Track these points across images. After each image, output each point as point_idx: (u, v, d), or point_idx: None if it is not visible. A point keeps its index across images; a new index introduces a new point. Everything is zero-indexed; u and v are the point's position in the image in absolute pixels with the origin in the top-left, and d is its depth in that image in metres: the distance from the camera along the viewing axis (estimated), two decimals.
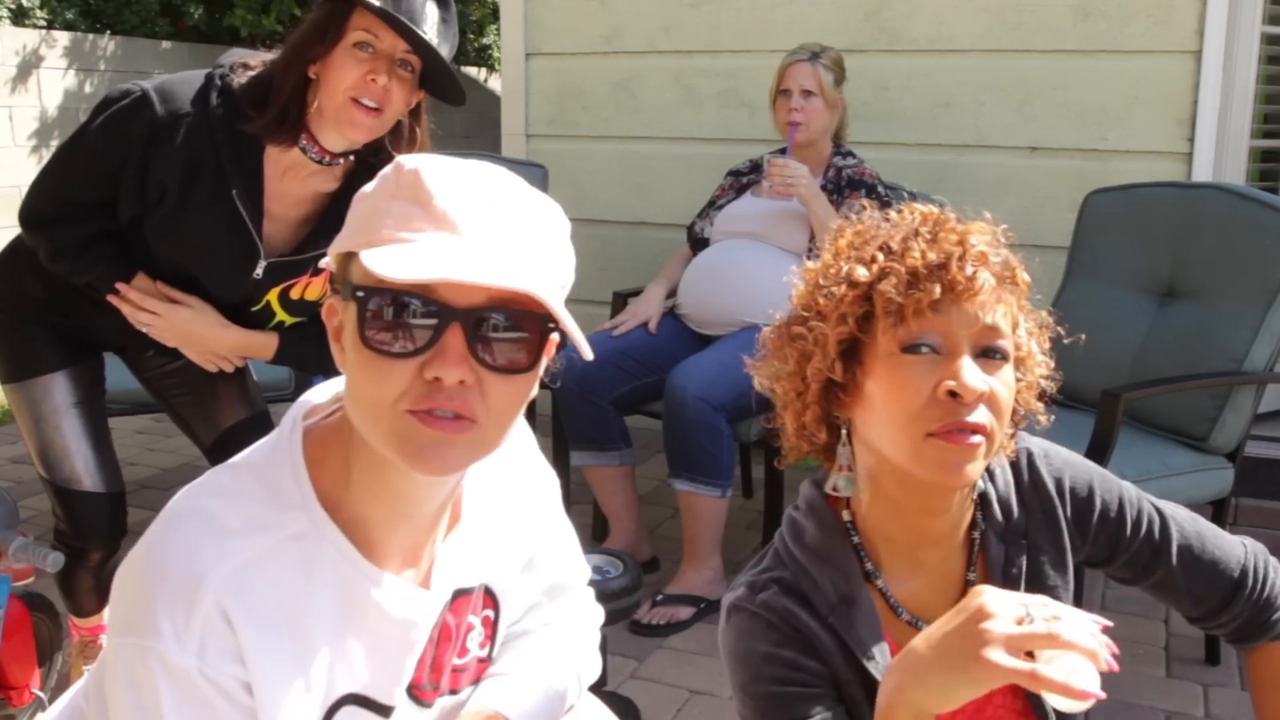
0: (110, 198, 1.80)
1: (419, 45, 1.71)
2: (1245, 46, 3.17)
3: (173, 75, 1.82)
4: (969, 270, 1.04)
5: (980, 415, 1.04)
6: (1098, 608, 2.71)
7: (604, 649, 2.00)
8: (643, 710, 2.16)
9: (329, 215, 1.88)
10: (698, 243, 3.02)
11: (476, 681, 1.15)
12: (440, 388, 0.87)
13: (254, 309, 1.95)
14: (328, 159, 1.81)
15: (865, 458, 1.13)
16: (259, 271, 1.87)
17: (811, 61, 2.86)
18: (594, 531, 3.11)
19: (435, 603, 1.05)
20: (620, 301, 3.08)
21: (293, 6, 7.10)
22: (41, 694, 2.04)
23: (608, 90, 3.91)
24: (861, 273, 1.07)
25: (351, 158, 1.85)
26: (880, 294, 1.05)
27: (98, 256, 1.86)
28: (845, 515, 1.18)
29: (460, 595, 1.09)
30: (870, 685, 1.12)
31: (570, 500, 3.24)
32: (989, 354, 1.06)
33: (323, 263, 0.99)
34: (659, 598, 2.61)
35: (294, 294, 1.95)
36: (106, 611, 2.16)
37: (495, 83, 8.89)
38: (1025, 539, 1.19)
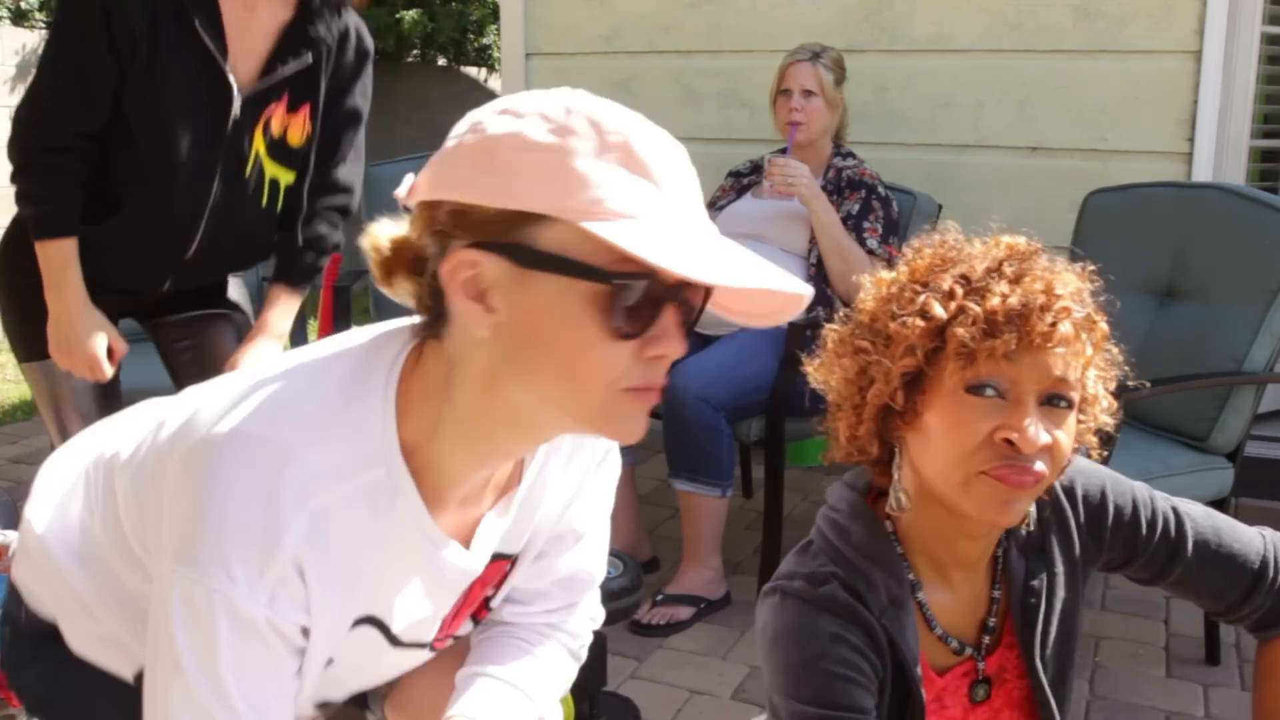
0: (91, 78, 1.78)
1: None
2: (1245, 46, 3.17)
3: None
4: (1049, 322, 1.02)
5: (1038, 465, 1.03)
6: (1098, 608, 2.71)
7: (604, 649, 2.01)
8: (643, 710, 2.16)
9: (286, 40, 1.89)
10: None
11: (475, 618, 1.21)
12: (662, 363, 0.90)
13: (248, 175, 1.94)
14: None
15: (912, 477, 1.12)
16: (236, 110, 1.86)
17: (812, 61, 2.86)
18: None
19: (478, 566, 1.08)
20: None
21: None
22: None
23: (608, 90, 3.85)
24: (938, 310, 1.04)
25: None
26: (954, 335, 1.02)
27: (59, 190, 1.83)
28: (888, 525, 1.17)
29: (496, 560, 1.12)
30: (907, 691, 1.12)
31: None
32: (1054, 402, 1.04)
33: (445, 194, 0.89)
34: (659, 598, 2.61)
35: (275, 130, 1.94)
36: None
37: (495, 83, 8.89)
38: (1043, 551, 1.18)
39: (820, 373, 1.16)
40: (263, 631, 0.92)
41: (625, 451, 2.76)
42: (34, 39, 6.01)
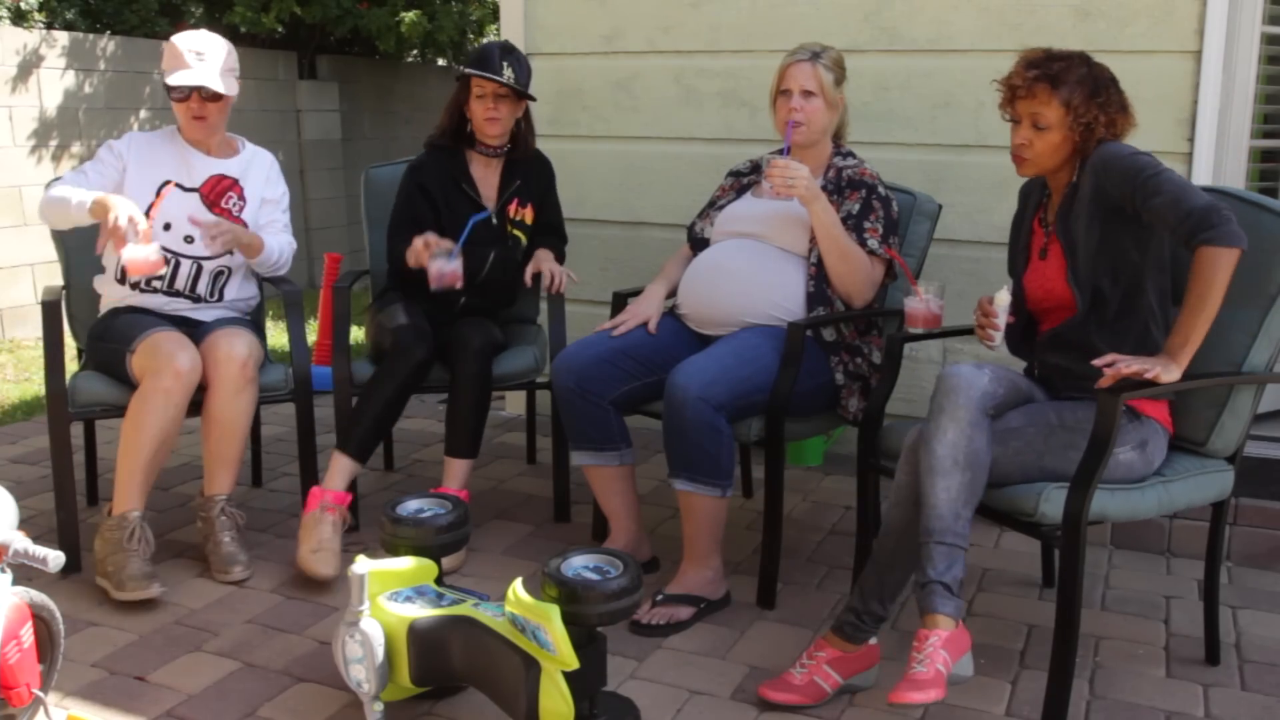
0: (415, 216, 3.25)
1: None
2: (1245, 46, 3.17)
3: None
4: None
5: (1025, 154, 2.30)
6: (1098, 608, 2.71)
7: (604, 649, 2.01)
8: (643, 710, 2.16)
9: (505, 175, 3.26)
10: (698, 243, 3.02)
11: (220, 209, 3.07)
12: None
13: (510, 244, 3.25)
14: (492, 151, 3.23)
15: None
16: (494, 219, 3.21)
17: (812, 61, 2.86)
18: (594, 531, 3.11)
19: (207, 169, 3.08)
20: (620, 301, 3.08)
21: (292, 5, 7.09)
22: (41, 694, 2.04)
23: (608, 90, 3.91)
24: None
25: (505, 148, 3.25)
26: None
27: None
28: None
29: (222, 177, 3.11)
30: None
31: (570, 500, 3.26)
32: None
33: None
34: (659, 598, 2.61)
35: (514, 214, 3.25)
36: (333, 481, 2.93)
37: None
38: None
39: None
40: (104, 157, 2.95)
41: (625, 451, 2.79)
42: (34, 39, 6.02)
